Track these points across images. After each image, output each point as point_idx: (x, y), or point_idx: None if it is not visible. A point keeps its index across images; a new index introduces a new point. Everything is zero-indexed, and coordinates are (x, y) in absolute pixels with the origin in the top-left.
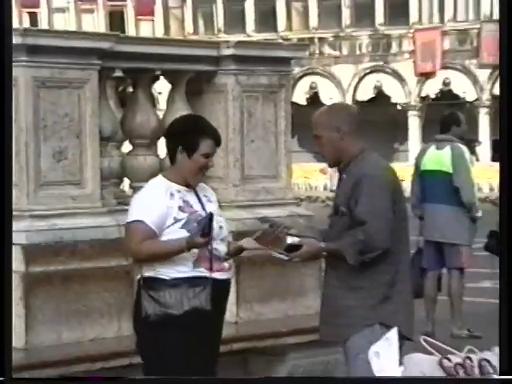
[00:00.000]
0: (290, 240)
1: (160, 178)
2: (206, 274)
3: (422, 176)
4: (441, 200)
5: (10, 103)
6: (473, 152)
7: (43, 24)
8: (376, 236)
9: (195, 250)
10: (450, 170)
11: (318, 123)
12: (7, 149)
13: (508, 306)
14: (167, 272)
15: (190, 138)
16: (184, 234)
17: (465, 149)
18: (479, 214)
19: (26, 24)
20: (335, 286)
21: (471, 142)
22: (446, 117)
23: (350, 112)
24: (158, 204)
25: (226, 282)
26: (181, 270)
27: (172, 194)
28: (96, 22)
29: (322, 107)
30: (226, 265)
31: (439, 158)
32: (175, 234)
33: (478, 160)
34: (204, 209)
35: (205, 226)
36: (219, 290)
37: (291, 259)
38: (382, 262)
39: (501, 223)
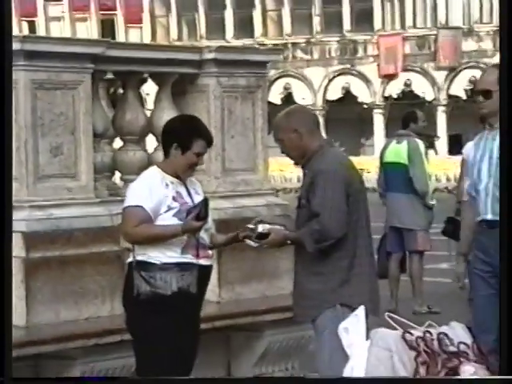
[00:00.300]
0: (260, 228)
1: (156, 168)
2: (193, 260)
3: (385, 168)
4: (399, 189)
5: (10, 104)
6: (432, 146)
7: (40, 31)
8: (329, 226)
9: (184, 237)
10: (407, 162)
11: (278, 128)
12: (7, 147)
13: (508, 306)
14: (157, 257)
15: (185, 136)
16: (176, 221)
17: (420, 143)
18: (433, 201)
19: (25, 31)
20: (301, 272)
21: (430, 137)
22: (406, 115)
23: (305, 113)
24: (155, 192)
25: (209, 268)
26: (170, 255)
27: (167, 184)
28: (89, 30)
29: (279, 113)
30: (209, 252)
31: (398, 151)
32: (168, 221)
33: (436, 153)
34: (193, 200)
35: (201, 211)
36: (203, 274)
37: (261, 246)
38: (339, 249)
39: (501, 222)
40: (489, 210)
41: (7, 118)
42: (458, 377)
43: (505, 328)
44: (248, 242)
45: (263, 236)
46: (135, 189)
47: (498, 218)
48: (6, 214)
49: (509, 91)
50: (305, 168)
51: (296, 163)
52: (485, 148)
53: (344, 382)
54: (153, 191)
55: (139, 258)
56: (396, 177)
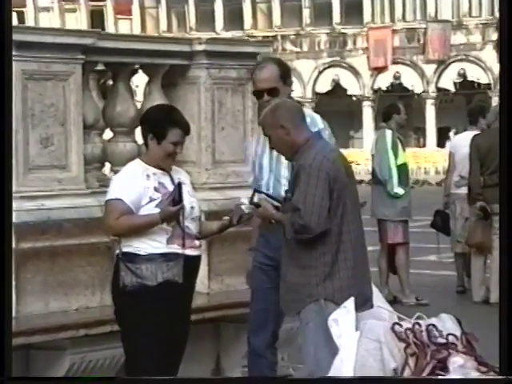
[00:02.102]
0: (256, 198)
1: (137, 161)
2: (179, 250)
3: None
4: (374, 181)
5: (10, 96)
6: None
7: (29, 22)
8: (309, 222)
9: (169, 228)
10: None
11: (265, 124)
12: (7, 142)
13: (508, 307)
14: (143, 248)
15: (159, 126)
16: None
17: (388, 133)
18: (398, 190)
19: (14, 22)
20: (287, 265)
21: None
22: (388, 107)
23: (290, 108)
24: (135, 184)
25: (197, 258)
26: (155, 246)
27: (148, 176)
28: (78, 21)
29: (265, 109)
30: (196, 242)
31: (373, 144)
32: (150, 212)
33: (424, 146)
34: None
35: (175, 195)
36: (191, 265)
37: (249, 214)
38: (322, 244)
39: (501, 222)
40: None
41: (7, 109)
42: (460, 377)
43: (505, 328)
44: (242, 206)
45: (256, 206)
46: (115, 182)
47: None
48: (5, 206)
49: (509, 91)
50: (293, 161)
51: (286, 158)
52: (265, 142)
53: (345, 382)
54: (132, 183)
55: (125, 249)
56: (373, 168)
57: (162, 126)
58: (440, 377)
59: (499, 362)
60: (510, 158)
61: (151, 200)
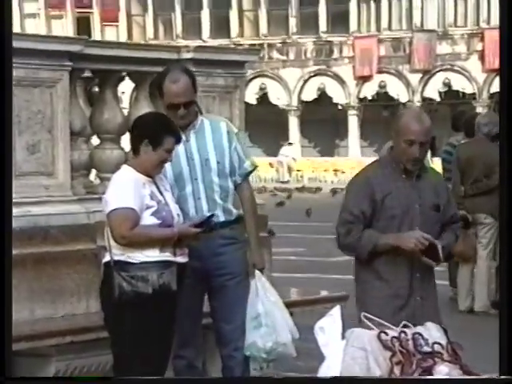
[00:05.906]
0: (437, 242)
1: (129, 168)
2: (171, 258)
3: None
4: None
5: (11, 102)
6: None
7: (15, 28)
8: None
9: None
10: None
11: (427, 130)
12: (7, 145)
13: (508, 308)
14: (136, 256)
15: (157, 132)
16: (153, 220)
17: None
18: None
19: None
20: (367, 282)
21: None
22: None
23: None
24: (138, 192)
25: (186, 265)
26: (148, 254)
27: (144, 183)
28: (64, 27)
29: (422, 114)
30: (186, 249)
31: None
32: (145, 220)
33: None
34: (164, 198)
35: (204, 221)
36: (180, 271)
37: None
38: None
39: (501, 223)
40: (205, 213)
41: (7, 115)
42: (461, 377)
43: (504, 328)
44: (428, 262)
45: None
46: (121, 191)
47: (223, 219)
48: (5, 212)
49: (509, 90)
50: (421, 171)
51: (418, 169)
52: (187, 148)
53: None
54: (136, 192)
55: (117, 257)
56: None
57: (159, 133)
58: (441, 377)
59: (499, 362)
60: (510, 162)
61: (147, 208)
